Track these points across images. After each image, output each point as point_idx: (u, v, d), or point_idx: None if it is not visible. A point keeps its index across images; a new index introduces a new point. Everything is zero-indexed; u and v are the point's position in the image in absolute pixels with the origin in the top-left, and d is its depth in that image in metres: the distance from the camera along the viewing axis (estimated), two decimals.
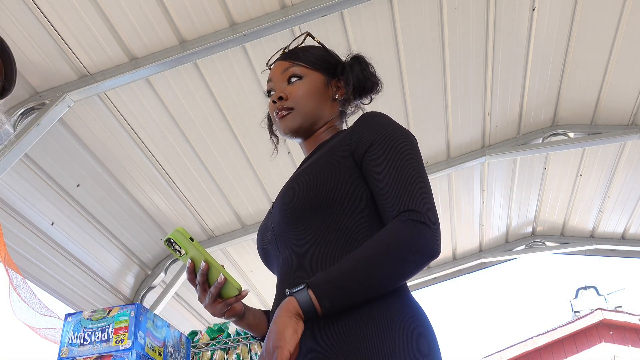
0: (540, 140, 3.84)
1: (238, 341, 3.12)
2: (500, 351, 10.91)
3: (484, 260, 4.97)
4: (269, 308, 1.26)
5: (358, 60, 1.32)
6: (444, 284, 5.33)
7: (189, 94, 2.88)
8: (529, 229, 4.86)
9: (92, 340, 1.47)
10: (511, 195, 4.39)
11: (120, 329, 1.46)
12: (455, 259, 4.97)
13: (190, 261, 1.07)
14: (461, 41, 3.10)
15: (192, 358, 3.18)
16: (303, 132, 1.26)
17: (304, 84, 1.26)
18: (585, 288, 12.51)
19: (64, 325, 1.53)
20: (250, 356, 3.11)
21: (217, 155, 3.26)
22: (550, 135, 3.83)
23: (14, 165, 2.51)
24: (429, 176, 1.10)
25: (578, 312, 11.78)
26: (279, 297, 1.09)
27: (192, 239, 1.05)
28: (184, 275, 3.82)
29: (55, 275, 3.21)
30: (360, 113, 1.28)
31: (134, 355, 1.41)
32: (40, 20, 2.33)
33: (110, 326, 1.47)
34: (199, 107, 2.97)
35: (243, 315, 1.17)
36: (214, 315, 1.11)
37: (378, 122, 1.13)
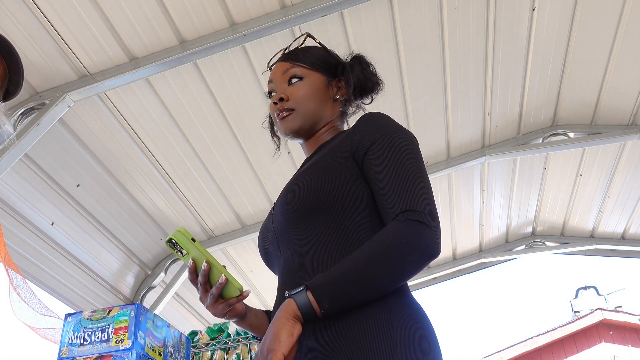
0: (540, 140, 3.84)
1: (238, 341, 3.12)
2: (500, 351, 10.91)
3: (484, 260, 4.97)
4: (269, 308, 1.26)
5: (358, 61, 1.32)
6: (444, 284, 5.34)
7: (189, 94, 2.88)
8: (529, 229, 4.86)
9: (92, 340, 1.47)
10: (511, 195, 4.39)
11: (120, 329, 1.46)
12: (455, 259, 4.97)
13: (191, 262, 1.07)
14: (461, 41, 3.10)
15: (192, 358, 3.18)
16: (304, 133, 1.26)
17: (305, 84, 1.26)
18: (585, 288, 12.51)
19: (64, 325, 1.53)
20: (250, 356, 3.11)
21: (217, 155, 3.26)
22: (550, 135, 3.83)
23: (14, 165, 2.51)
24: (429, 176, 1.10)
25: (578, 312, 11.78)
26: (280, 298, 1.09)
27: (193, 240, 1.05)
28: (184, 275, 3.84)
29: (55, 275, 3.21)
30: (361, 113, 1.28)
31: (134, 355, 1.41)
32: (40, 20, 2.33)
33: (110, 326, 1.47)
34: (199, 107, 2.97)
35: (244, 315, 1.17)
36: (216, 315, 1.11)
37: (379, 123, 1.13)
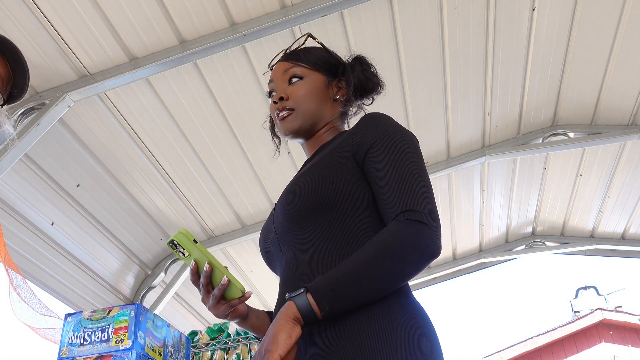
0: (540, 140, 3.84)
1: (238, 341, 3.12)
2: (500, 351, 10.91)
3: (484, 260, 4.97)
4: (269, 308, 1.26)
5: (359, 61, 1.32)
6: (444, 284, 5.33)
7: (189, 94, 2.88)
8: (529, 229, 4.86)
9: (92, 340, 1.47)
10: (511, 195, 4.39)
11: (120, 329, 1.46)
12: (455, 259, 4.97)
13: (193, 263, 1.07)
14: (461, 41, 3.10)
15: (192, 358, 3.18)
16: (304, 133, 1.26)
17: (305, 84, 1.26)
18: (585, 288, 12.51)
19: (63, 325, 1.53)
20: (250, 356, 3.11)
21: (217, 155, 3.26)
22: (550, 135, 3.83)
23: (14, 165, 2.51)
24: (429, 176, 1.10)
25: (578, 312, 11.78)
26: (281, 299, 1.09)
27: (195, 241, 1.05)
28: (184, 275, 3.84)
29: (55, 275, 3.20)
30: (362, 114, 1.28)
31: (134, 355, 1.41)
32: (40, 20, 2.33)
33: (110, 326, 1.47)
34: (199, 107, 2.97)
35: (246, 316, 1.17)
36: (218, 316, 1.11)
37: (379, 123, 1.13)
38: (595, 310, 10.76)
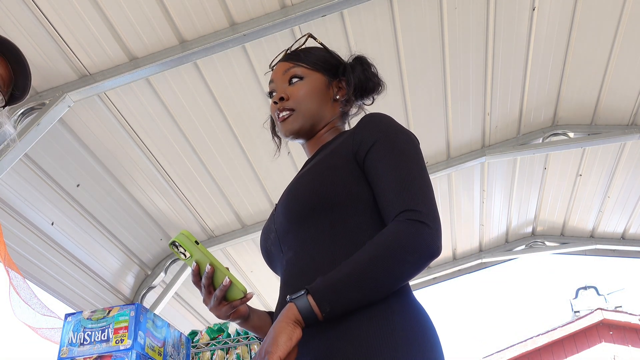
0: (540, 140, 3.84)
1: (238, 341, 3.12)
2: (500, 351, 10.90)
3: (484, 260, 4.97)
4: (269, 308, 1.26)
5: (360, 61, 1.32)
6: (444, 284, 5.33)
7: (189, 94, 2.88)
8: (529, 229, 4.86)
9: (92, 340, 1.47)
10: (511, 195, 4.39)
11: (120, 329, 1.46)
12: (455, 259, 4.97)
13: (195, 264, 1.07)
14: (461, 41, 3.10)
15: (192, 358, 3.18)
16: (304, 134, 1.26)
17: (305, 84, 1.26)
18: (585, 288, 12.51)
19: (63, 325, 1.53)
20: (250, 356, 3.11)
21: (217, 155, 3.26)
22: (550, 135, 3.83)
23: (14, 165, 2.51)
24: (429, 176, 1.10)
25: (578, 312, 11.78)
26: (282, 300, 1.09)
27: (197, 242, 1.05)
28: (184, 275, 3.84)
29: (55, 275, 3.20)
30: (363, 114, 1.28)
31: (134, 355, 1.41)
32: (40, 20, 2.33)
33: (110, 326, 1.47)
34: (199, 107, 2.97)
35: (248, 317, 1.17)
36: (219, 317, 1.11)
37: (380, 123, 1.13)
38: (595, 310, 10.76)
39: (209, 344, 3.17)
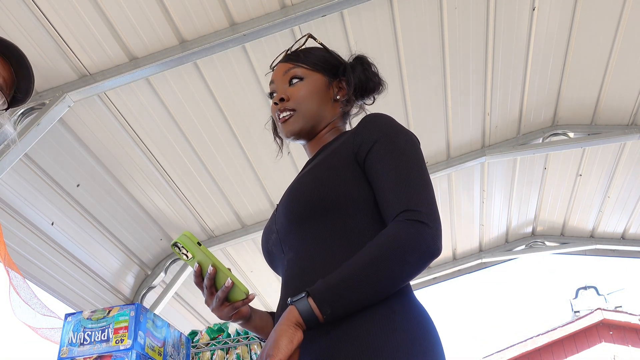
0: (540, 140, 3.84)
1: (238, 341, 3.12)
2: (500, 351, 10.90)
3: (484, 260, 4.97)
4: (269, 308, 1.26)
5: (360, 61, 1.32)
6: (444, 284, 5.34)
7: (189, 94, 2.88)
8: (529, 229, 4.86)
9: (92, 340, 1.47)
10: (511, 195, 4.39)
11: (120, 328, 1.46)
12: (455, 259, 4.97)
13: (197, 265, 1.07)
14: (461, 41, 3.10)
15: (192, 358, 3.18)
16: (305, 134, 1.26)
17: (305, 85, 1.26)
18: (585, 288, 12.50)
19: (63, 325, 1.53)
20: (250, 356, 3.11)
21: (217, 155, 3.26)
22: (550, 135, 3.83)
23: (14, 165, 2.51)
24: (429, 176, 1.10)
25: (578, 312, 11.77)
26: (284, 300, 1.09)
27: (199, 243, 1.05)
28: (184, 275, 3.84)
29: (55, 275, 3.21)
30: (364, 114, 1.28)
31: (134, 355, 1.41)
32: (40, 20, 2.33)
33: (110, 326, 1.47)
34: (199, 107, 2.97)
35: (249, 317, 1.18)
36: (221, 318, 1.11)
37: (380, 124, 1.13)
38: (595, 310, 10.76)
39: (209, 344, 3.17)
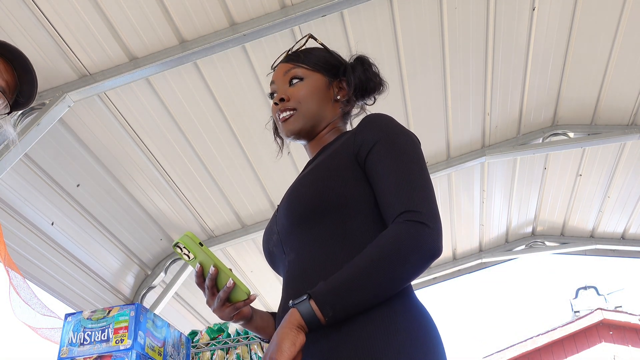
0: (540, 140, 3.84)
1: (238, 341, 3.12)
2: (500, 351, 10.90)
3: (484, 260, 4.97)
4: (269, 308, 1.26)
5: (360, 61, 1.32)
6: (444, 284, 5.34)
7: (189, 94, 2.88)
8: (529, 229, 4.86)
9: (92, 340, 1.47)
10: (511, 195, 4.39)
11: (120, 328, 1.46)
12: (455, 259, 4.98)
13: (199, 266, 1.07)
14: (461, 41, 3.10)
15: (192, 358, 3.18)
16: (306, 134, 1.26)
17: (305, 85, 1.26)
18: (585, 288, 12.51)
19: (63, 325, 1.53)
20: (250, 356, 3.11)
21: (217, 155, 3.26)
22: (550, 135, 3.83)
23: (14, 165, 2.51)
24: (430, 177, 1.10)
25: (578, 312, 11.77)
26: (285, 301, 1.09)
27: (201, 244, 1.05)
28: (184, 275, 3.84)
29: (55, 275, 3.20)
30: (364, 114, 1.28)
31: (134, 355, 1.41)
32: (40, 20, 2.33)
33: (110, 326, 1.47)
34: (199, 107, 2.97)
35: (251, 318, 1.18)
36: (222, 318, 1.11)
37: (381, 124, 1.13)
38: (595, 310, 10.76)
39: (209, 344, 3.17)
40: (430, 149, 3.70)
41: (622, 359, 10.11)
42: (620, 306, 11.66)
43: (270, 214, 3.76)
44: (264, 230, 1.28)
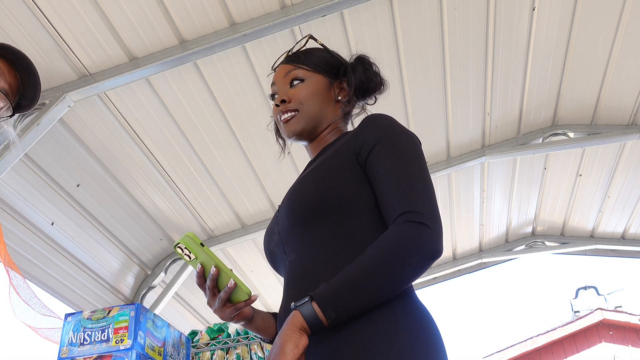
0: (540, 140, 3.84)
1: (238, 341, 3.13)
2: (500, 351, 10.90)
3: (484, 260, 4.97)
4: (269, 308, 1.26)
5: (361, 61, 1.32)
6: (444, 284, 5.34)
7: (189, 94, 2.88)
8: (529, 229, 4.86)
9: (92, 340, 1.47)
10: (511, 195, 4.39)
11: (120, 328, 1.46)
12: (455, 259, 4.98)
13: (200, 266, 1.07)
14: (461, 41, 3.10)
15: (192, 358, 3.18)
16: (307, 135, 1.26)
17: (306, 86, 1.26)
18: (585, 288, 12.51)
19: (64, 325, 1.53)
20: (250, 356, 3.11)
21: (217, 155, 3.26)
22: (550, 135, 3.83)
23: (14, 165, 2.51)
24: (431, 177, 1.10)
25: (578, 312, 11.77)
26: (286, 302, 1.09)
27: (202, 244, 1.05)
28: (184, 275, 3.84)
29: (55, 275, 3.21)
30: (365, 114, 1.28)
31: (134, 355, 1.41)
32: (40, 20, 2.33)
33: (110, 326, 1.47)
34: (199, 107, 2.97)
35: (251, 318, 1.18)
36: (223, 319, 1.11)
37: (381, 124, 1.13)
38: (595, 310, 10.76)
39: (209, 344, 3.17)
40: (430, 149, 3.70)
41: (622, 359, 10.11)
42: (620, 306, 11.67)
43: (270, 214, 3.76)
44: (264, 231, 1.28)
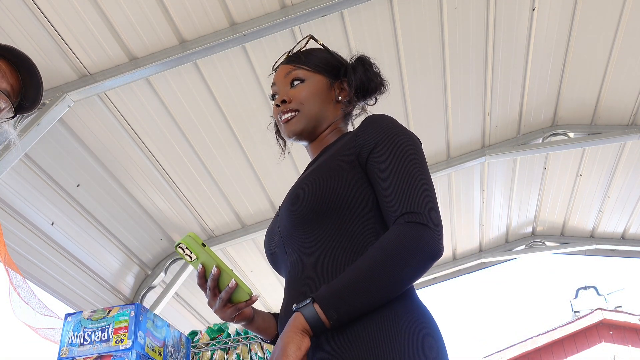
0: (540, 140, 3.84)
1: (238, 341, 3.13)
2: (500, 351, 10.90)
3: (484, 260, 4.97)
4: (269, 308, 1.26)
5: (361, 61, 1.32)
6: (444, 284, 5.34)
7: (189, 94, 2.88)
8: (529, 229, 4.86)
9: (92, 340, 1.47)
10: (511, 195, 4.39)
11: (120, 328, 1.46)
12: (455, 259, 4.98)
13: (201, 266, 1.07)
14: (461, 41, 3.10)
15: (192, 358, 3.18)
16: (307, 135, 1.26)
17: (306, 86, 1.26)
18: (585, 288, 12.51)
19: (64, 325, 1.54)
20: (250, 356, 3.11)
21: (217, 155, 3.26)
22: (550, 135, 3.83)
23: (14, 165, 2.51)
24: (431, 178, 1.10)
25: (578, 312, 11.77)
26: (287, 302, 1.09)
27: (203, 244, 1.05)
28: (184, 275, 3.84)
29: (55, 275, 3.21)
30: (366, 114, 1.28)
31: (134, 355, 1.41)
32: (40, 20, 2.33)
33: (110, 326, 1.47)
34: (199, 107, 2.97)
35: (252, 319, 1.18)
36: (224, 319, 1.11)
37: (382, 125, 1.13)
38: (595, 310, 10.76)
39: (209, 344, 3.17)
40: (430, 149, 3.70)
41: (622, 359, 10.11)
42: (620, 306, 11.67)
43: (270, 214, 3.76)
44: (264, 231, 1.28)
